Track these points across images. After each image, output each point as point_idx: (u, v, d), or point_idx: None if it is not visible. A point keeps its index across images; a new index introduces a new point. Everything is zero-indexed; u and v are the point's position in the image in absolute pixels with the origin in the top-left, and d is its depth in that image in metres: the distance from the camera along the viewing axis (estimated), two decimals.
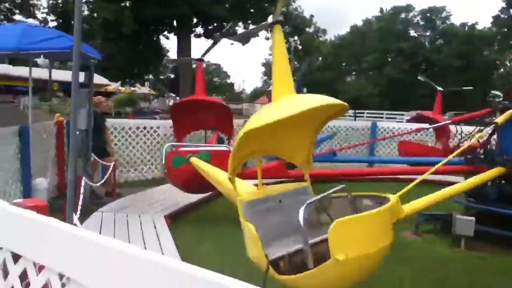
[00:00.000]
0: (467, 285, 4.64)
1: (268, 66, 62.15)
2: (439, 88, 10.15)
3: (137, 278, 1.07)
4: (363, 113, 34.95)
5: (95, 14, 21.58)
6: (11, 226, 1.55)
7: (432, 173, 4.43)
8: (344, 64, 65.28)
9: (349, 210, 3.48)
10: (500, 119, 5.82)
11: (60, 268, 1.33)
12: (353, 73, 65.13)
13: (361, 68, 62.40)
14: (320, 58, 67.57)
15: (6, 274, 1.59)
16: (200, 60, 7.50)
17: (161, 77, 41.22)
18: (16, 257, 1.54)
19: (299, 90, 9.56)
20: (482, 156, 6.23)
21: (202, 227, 6.33)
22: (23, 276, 1.52)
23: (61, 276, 1.34)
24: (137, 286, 1.07)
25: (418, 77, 11.17)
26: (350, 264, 2.89)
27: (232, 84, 78.47)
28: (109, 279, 1.15)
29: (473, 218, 5.68)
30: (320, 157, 7.42)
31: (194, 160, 5.80)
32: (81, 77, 7.40)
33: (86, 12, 24.04)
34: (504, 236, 5.78)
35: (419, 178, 3.90)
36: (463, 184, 5.06)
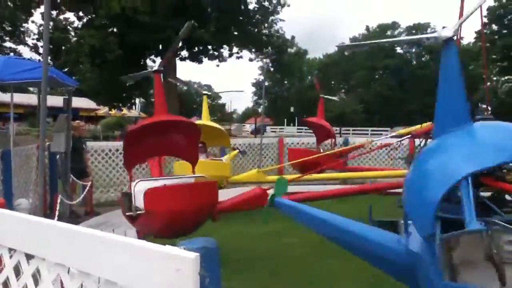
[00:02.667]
0: None
1: (258, 86, 63.22)
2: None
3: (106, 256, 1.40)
4: (349, 129, 35.67)
5: (82, 41, 22.25)
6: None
7: None
8: (333, 82, 66.43)
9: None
10: None
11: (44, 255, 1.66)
12: (342, 90, 66.23)
13: (349, 85, 63.52)
14: (309, 77, 68.90)
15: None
16: (158, 71, 5.84)
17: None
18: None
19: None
20: None
21: (172, 241, 6.78)
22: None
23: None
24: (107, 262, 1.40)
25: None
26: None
27: (223, 105, 79.23)
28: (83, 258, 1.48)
29: None
30: None
31: None
32: (61, 102, 8.04)
33: (74, 39, 24.87)
34: None
35: None
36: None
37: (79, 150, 8.42)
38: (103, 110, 35.57)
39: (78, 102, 30.93)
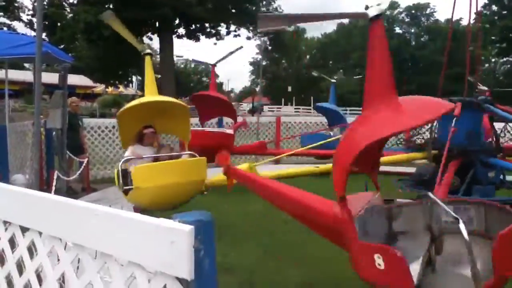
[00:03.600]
0: None
1: (256, 65, 62.74)
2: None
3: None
4: (346, 110, 35.61)
5: (77, 17, 21.88)
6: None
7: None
8: (331, 62, 65.99)
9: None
10: None
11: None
12: (340, 70, 65.82)
13: (348, 65, 63.13)
14: (308, 56, 68.40)
15: None
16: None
17: None
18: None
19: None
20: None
21: (167, 214, 6.83)
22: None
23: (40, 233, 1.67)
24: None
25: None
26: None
27: (221, 84, 78.82)
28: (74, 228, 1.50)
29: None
30: None
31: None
32: (57, 79, 7.96)
33: (69, 16, 24.46)
34: None
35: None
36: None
37: (75, 126, 8.39)
38: (100, 87, 35.29)
39: (75, 79, 30.69)
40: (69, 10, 25.15)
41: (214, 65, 10.24)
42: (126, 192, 5.36)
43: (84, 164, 7.82)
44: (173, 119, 6.14)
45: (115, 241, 1.36)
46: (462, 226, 2.46)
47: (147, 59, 6.13)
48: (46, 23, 22.94)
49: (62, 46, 22.31)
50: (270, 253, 5.25)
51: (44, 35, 23.99)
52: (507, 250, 2.51)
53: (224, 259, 4.68)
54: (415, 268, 2.78)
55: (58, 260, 1.60)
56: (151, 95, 6.00)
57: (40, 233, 1.67)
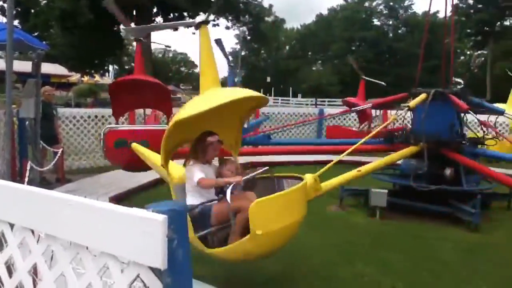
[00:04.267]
0: (369, 245, 5.32)
1: (235, 55, 62.36)
2: (363, 76, 11.55)
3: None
4: (325, 101, 35.85)
5: (52, 4, 21.33)
6: None
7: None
8: (310, 53, 66.12)
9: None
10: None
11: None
12: (319, 61, 66.05)
13: (326, 56, 63.37)
14: (287, 47, 68.33)
15: None
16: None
17: (126, 67, 40.89)
18: None
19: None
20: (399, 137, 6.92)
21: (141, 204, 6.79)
22: None
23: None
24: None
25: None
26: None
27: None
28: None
29: (386, 191, 6.36)
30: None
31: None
32: (30, 67, 7.75)
33: (43, 2, 23.80)
34: (414, 206, 6.52)
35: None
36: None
37: (50, 116, 8.21)
38: (75, 76, 34.54)
39: (50, 68, 29.91)
40: None
41: (140, 42, 8.22)
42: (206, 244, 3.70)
43: (58, 155, 7.67)
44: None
45: (88, 231, 1.34)
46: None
47: (203, 29, 4.53)
48: (19, 9, 22.32)
49: (36, 34, 21.73)
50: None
51: (16, 22, 23.35)
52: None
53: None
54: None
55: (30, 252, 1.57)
56: (214, 85, 4.22)
57: (11, 225, 1.63)
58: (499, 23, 49.13)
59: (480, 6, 48.03)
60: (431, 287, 4.30)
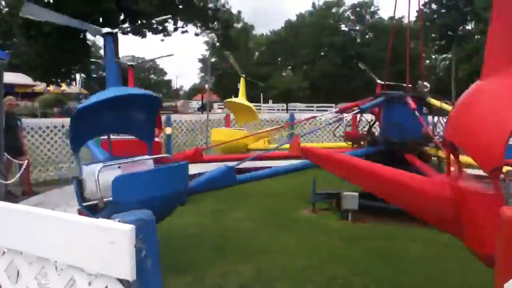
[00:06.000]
0: (342, 248, 5.37)
1: (204, 62, 62.23)
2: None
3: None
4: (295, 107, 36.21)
5: (14, 11, 20.76)
6: None
7: None
8: (279, 58, 66.62)
9: None
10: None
11: None
12: (289, 67, 66.62)
13: (296, 62, 63.98)
14: (257, 53, 68.63)
15: None
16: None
17: (94, 75, 40.22)
18: None
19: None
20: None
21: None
22: None
23: None
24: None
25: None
26: None
27: (169, 81, 77.63)
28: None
29: (357, 194, 6.43)
30: None
31: None
32: None
33: (4, 10, 23.17)
34: (386, 208, 6.61)
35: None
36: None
37: (13, 127, 7.97)
38: (40, 86, 33.64)
39: (13, 77, 29.08)
40: (4, 4, 23.86)
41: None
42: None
43: (24, 167, 7.44)
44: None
45: (53, 243, 1.30)
46: None
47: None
48: None
49: None
50: (221, 251, 5.23)
51: None
52: None
53: (174, 260, 4.61)
54: None
55: None
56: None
57: None
58: (461, 27, 50.77)
59: (443, 11, 49.56)
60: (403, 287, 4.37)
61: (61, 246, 1.28)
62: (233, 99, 12.74)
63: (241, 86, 12.07)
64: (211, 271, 4.56)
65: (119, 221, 1.17)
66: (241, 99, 11.75)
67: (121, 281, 1.16)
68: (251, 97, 13.20)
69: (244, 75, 12.10)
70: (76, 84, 40.21)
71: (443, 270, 4.73)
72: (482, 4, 40.84)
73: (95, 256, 1.19)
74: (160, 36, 26.63)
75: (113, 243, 1.13)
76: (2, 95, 7.54)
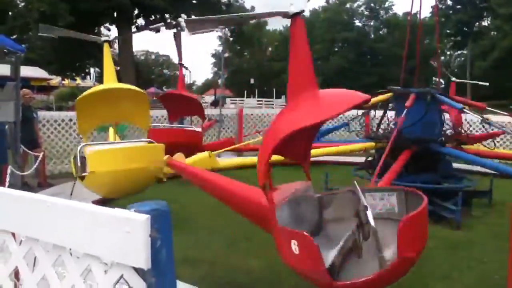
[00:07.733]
0: None
1: (218, 57, 62.28)
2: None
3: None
4: None
5: (30, 6, 20.98)
6: None
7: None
8: None
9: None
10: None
11: None
12: None
13: None
14: (270, 49, 68.50)
15: None
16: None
17: None
18: None
19: None
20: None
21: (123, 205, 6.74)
22: None
23: None
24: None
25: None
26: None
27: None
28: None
29: None
30: None
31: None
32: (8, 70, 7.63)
33: (21, 5, 23.42)
34: None
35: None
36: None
37: (30, 119, 8.10)
38: (55, 80, 34.04)
39: (29, 71, 29.45)
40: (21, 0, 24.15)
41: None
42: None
43: (39, 159, 7.56)
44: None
45: (70, 233, 1.33)
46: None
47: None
48: None
49: (14, 37, 21.37)
50: (232, 245, 5.26)
51: None
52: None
53: (185, 251, 4.66)
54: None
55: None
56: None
57: None
58: (477, 23, 50.06)
59: (458, 6, 48.87)
60: (415, 285, 4.35)
61: (78, 235, 1.31)
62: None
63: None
64: (221, 265, 4.60)
65: (134, 211, 1.19)
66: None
67: (136, 270, 1.18)
68: (263, 92, 13.09)
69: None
70: (90, 78, 40.59)
71: (455, 266, 4.70)
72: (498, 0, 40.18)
73: (111, 245, 1.21)
74: (174, 31, 26.66)
75: (129, 232, 1.16)
76: (19, 88, 7.64)
